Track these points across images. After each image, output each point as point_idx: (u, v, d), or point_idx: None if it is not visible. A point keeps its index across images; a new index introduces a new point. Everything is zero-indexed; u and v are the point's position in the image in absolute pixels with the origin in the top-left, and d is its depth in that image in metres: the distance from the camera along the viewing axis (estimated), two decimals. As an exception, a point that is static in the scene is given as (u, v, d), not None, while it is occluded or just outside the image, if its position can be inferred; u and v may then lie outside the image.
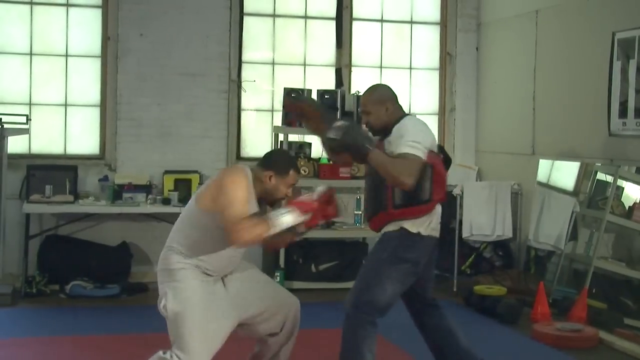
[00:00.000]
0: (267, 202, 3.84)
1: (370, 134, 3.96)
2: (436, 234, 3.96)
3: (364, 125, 4.05)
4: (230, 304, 3.75)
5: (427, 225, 3.90)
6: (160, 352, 3.63)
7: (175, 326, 3.62)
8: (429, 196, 3.85)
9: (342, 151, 3.85)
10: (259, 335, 3.94)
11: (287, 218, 3.57)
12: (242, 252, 3.83)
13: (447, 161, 4.05)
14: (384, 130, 3.95)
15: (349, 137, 3.76)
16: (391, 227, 3.93)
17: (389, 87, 4.16)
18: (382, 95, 4.05)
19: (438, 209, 3.97)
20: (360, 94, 7.24)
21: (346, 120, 4.00)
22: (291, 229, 3.70)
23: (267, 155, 3.91)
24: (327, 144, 3.88)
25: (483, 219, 7.23)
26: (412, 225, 3.88)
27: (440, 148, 4.06)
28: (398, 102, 4.08)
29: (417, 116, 4.18)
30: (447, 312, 4.18)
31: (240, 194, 3.57)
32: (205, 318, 3.62)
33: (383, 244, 3.98)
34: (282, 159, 3.86)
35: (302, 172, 7.03)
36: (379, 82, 4.30)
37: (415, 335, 5.04)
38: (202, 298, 3.65)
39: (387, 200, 3.90)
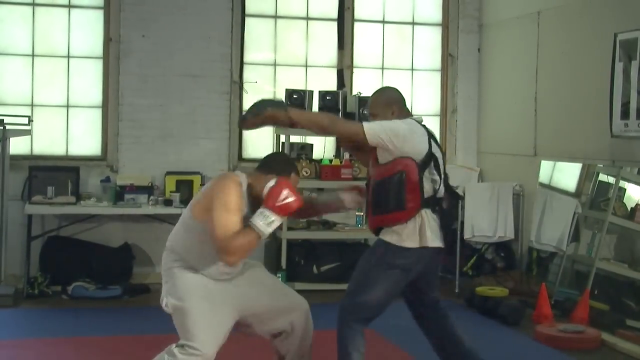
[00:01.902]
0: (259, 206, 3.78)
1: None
2: (432, 243, 3.87)
3: None
4: (233, 296, 3.73)
5: (412, 235, 3.85)
6: (172, 345, 3.62)
7: (180, 320, 3.63)
8: (402, 204, 3.81)
9: (263, 115, 3.77)
10: (266, 334, 3.91)
11: (272, 222, 3.53)
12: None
13: (452, 196, 4.03)
14: None
15: (264, 102, 3.82)
16: (382, 234, 3.94)
17: (397, 90, 4.17)
18: (389, 97, 4.08)
19: (429, 217, 3.87)
20: (362, 94, 7.33)
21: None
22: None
23: (267, 158, 3.89)
24: (248, 117, 3.82)
25: (485, 220, 7.23)
26: (396, 237, 3.86)
27: (433, 157, 3.94)
28: (405, 106, 4.09)
29: (421, 117, 4.13)
30: (450, 314, 4.16)
31: (232, 204, 3.54)
32: (208, 308, 3.62)
33: (374, 249, 4.01)
34: (283, 162, 3.85)
35: (304, 173, 7.04)
36: (387, 85, 4.32)
37: (416, 336, 5.04)
38: (201, 289, 3.65)
39: (368, 206, 4.00)
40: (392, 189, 3.81)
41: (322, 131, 4.02)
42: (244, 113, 3.89)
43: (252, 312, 3.81)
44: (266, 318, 3.84)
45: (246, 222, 3.55)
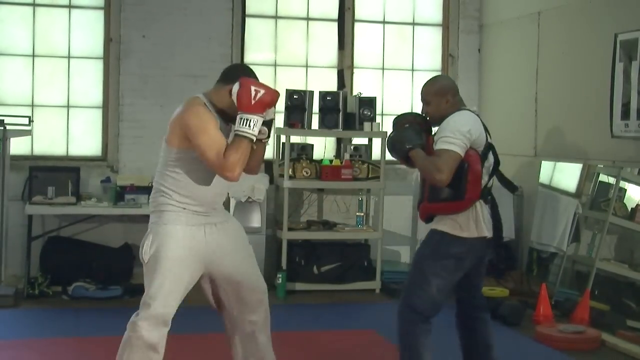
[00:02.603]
0: (229, 116, 3.73)
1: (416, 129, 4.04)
2: (484, 233, 3.91)
3: (423, 114, 4.11)
4: (207, 257, 3.70)
5: (468, 224, 3.88)
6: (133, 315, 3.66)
7: (149, 272, 3.67)
8: (462, 194, 3.84)
9: (392, 154, 4.12)
10: (210, 297, 3.88)
11: (256, 122, 3.49)
12: (227, 183, 3.75)
13: (496, 163, 4.05)
14: (442, 121, 3.96)
15: (389, 144, 4.06)
16: (435, 224, 3.96)
17: (450, 78, 4.26)
18: (443, 86, 4.09)
19: (483, 208, 3.93)
20: (362, 95, 7.33)
21: (397, 119, 4.17)
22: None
23: (226, 70, 3.83)
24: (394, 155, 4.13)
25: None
26: (451, 226, 3.89)
27: (492, 147, 4.03)
28: (459, 95, 4.10)
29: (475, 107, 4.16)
30: (489, 322, 4.18)
31: (210, 126, 3.53)
32: (179, 271, 3.63)
33: (427, 240, 4.03)
34: (242, 72, 3.78)
35: (304, 173, 7.04)
36: (441, 74, 4.35)
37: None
38: (181, 251, 3.64)
39: (424, 192, 4.01)
40: (454, 179, 3.80)
41: (434, 183, 3.91)
42: (396, 144, 4.03)
43: (222, 275, 3.77)
44: (224, 283, 3.80)
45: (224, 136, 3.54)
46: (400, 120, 4.14)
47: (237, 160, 3.48)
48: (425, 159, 3.86)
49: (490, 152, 3.99)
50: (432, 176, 3.80)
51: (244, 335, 3.84)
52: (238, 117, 3.52)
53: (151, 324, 3.60)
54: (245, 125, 3.48)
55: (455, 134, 3.81)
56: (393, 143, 4.03)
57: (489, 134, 4.06)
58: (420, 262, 3.98)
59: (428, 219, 4.03)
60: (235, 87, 3.55)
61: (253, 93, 3.49)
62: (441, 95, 4.01)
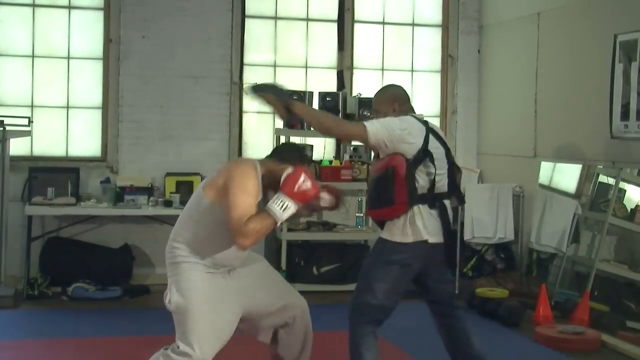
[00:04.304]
0: (268, 193, 3.76)
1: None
2: (429, 238, 3.89)
3: None
4: (236, 296, 3.70)
5: (406, 229, 3.88)
6: (162, 349, 3.61)
7: (181, 320, 3.58)
8: (391, 199, 3.85)
9: (267, 94, 3.91)
10: (264, 332, 3.89)
11: (288, 208, 3.49)
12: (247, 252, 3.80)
13: (451, 171, 4.03)
14: None
15: (262, 85, 3.93)
16: (381, 232, 4.01)
17: (400, 87, 4.23)
18: (392, 94, 4.14)
19: (422, 212, 3.89)
20: (362, 96, 7.34)
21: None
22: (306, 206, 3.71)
23: (281, 148, 3.94)
24: (249, 93, 3.99)
25: (485, 221, 7.23)
26: (390, 232, 3.91)
27: (428, 154, 3.94)
28: (409, 103, 4.13)
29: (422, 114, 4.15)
30: (465, 317, 4.18)
31: (250, 192, 3.51)
32: (210, 310, 3.57)
33: (374, 248, 4.09)
34: (297, 153, 3.86)
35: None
36: (392, 83, 4.38)
37: (416, 336, 5.05)
38: (206, 290, 3.60)
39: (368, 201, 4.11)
40: (381, 185, 3.88)
41: (325, 131, 4.04)
42: (254, 84, 3.95)
43: (255, 307, 3.78)
44: (267, 314, 3.82)
45: (258, 209, 3.52)
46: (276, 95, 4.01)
47: (256, 230, 3.44)
48: (321, 112, 3.95)
49: (429, 159, 3.91)
50: (324, 125, 3.92)
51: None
52: (277, 195, 3.51)
53: None
54: (280, 206, 3.47)
55: (381, 123, 3.88)
56: (269, 86, 3.93)
57: (442, 141, 4.00)
58: (366, 270, 4.01)
59: (381, 226, 4.05)
60: (289, 170, 3.57)
61: (301, 182, 3.50)
62: (389, 104, 4.08)
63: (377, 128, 3.85)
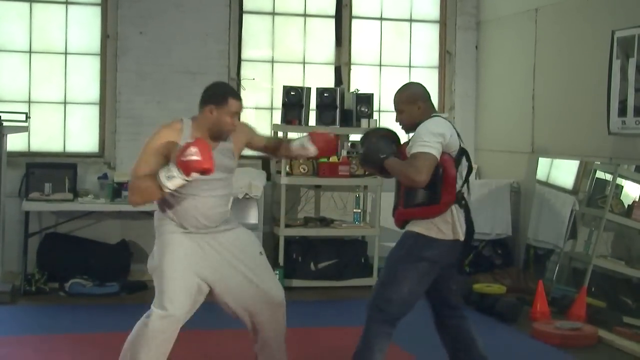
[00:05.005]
0: (219, 137, 3.80)
1: (388, 138, 4.10)
2: (459, 236, 3.92)
3: (397, 123, 4.14)
4: (207, 264, 3.78)
5: (444, 227, 3.89)
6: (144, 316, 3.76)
7: (157, 281, 3.75)
8: (438, 198, 3.86)
9: (366, 167, 4.32)
10: (232, 312, 3.93)
11: (173, 177, 3.53)
12: (222, 210, 3.85)
13: (469, 167, 4.06)
14: (415, 128, 3.98)
15: (362, 159, 4.17)
16: (410, 227, 3.97)
17: (421, 85, 4.20)
18: (413, 93, 4.09)
19: (458, 212, 3.93)
20: (360, 91, 7.33)
21: (366, 135, 4.25)
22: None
23: (204, 89, 3.87)
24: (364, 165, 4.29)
25: (482, 217, 7.22)
26: (427, 227, 3.90)
27: (464, 152, 4.03)
28: (430, 101, 4.12)
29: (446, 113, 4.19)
30: (467, 317, 4.19)
31: (149, 146, 3.68)
32: (181, 270, 3.70)
33: (401, 242, 4.02)
34: (218, 89, 3.84)
35: (301, 170, 7.04)
36: (412, 81, 4.40)
37: (416, 336, 5.05)
38: (176, 250, 3.73)
39: (399, 198, 4.02)
40: (430, 183, 3.82)
41: (412, 183, 3.88)
42: (369, 156, 4.08)
43: (220, 289, 3.82)
44: (231, 301, 3.84)
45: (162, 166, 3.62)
46: (368, 135, 4.21)
47: (137, 188, 3.64)
48: (401, 164, 3.89)
49: (464, 157, 3.99)
50: (411, 178, 3.80)
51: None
52: (170, 164, 3.58)
53: (164, 323, 3.69)
54: (165, 173, 3.55)
55: (430, 138, 3.83)
56: (366, 156, 4.08)
57: (462, 140, 4.06)
58: (393, 264, 3.99)
59: (403, 225, 4.04)
60: (189, 139, 3.64)
61: (189, 153, 3.50)
62: (412, 103, 4.04)
63: (436, 148, 3.83)
